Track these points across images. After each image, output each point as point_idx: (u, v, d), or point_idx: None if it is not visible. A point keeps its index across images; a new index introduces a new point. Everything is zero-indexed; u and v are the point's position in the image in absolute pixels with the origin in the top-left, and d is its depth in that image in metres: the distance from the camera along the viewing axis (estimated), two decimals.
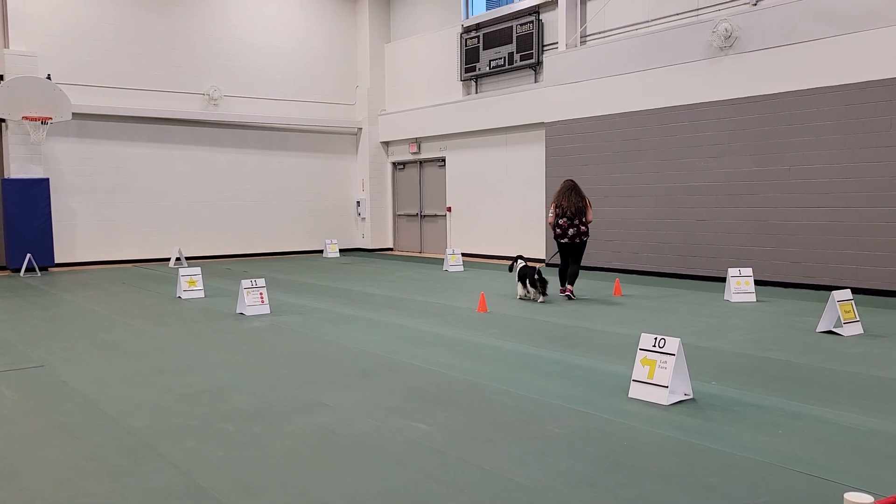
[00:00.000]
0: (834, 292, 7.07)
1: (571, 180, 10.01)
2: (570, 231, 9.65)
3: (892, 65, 9.55)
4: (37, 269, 13.92)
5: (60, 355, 6.49)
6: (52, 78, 14.31)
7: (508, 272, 10.36)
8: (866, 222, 9.88)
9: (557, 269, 9.75)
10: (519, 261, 9.98)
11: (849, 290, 7.23)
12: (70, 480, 3.55)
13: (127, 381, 5.52)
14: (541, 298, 9.43)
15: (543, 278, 9.46)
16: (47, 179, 14.34)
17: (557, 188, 10.01)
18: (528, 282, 9.56)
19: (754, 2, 11.37)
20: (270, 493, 3.37)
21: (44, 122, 13.81)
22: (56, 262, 14.72)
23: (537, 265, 9.95)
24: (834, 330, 7.08)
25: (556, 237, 9.82)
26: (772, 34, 10.71)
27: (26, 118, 13.57)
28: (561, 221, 9.70)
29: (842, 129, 10.08)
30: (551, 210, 9.84)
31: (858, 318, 7.20)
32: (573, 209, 9.62)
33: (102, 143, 15.49)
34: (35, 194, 14.12)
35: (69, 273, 14.09)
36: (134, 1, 15.70)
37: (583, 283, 11.27)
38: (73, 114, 14.34)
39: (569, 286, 9.76)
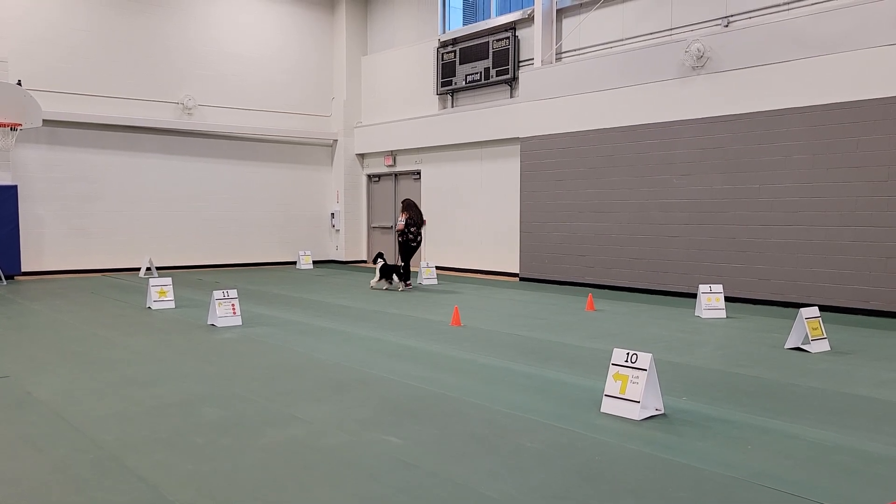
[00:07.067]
0: (802, 310, 7.20)
1: (410, 199, 13.44)
2: (419, 238, 13.07)
3: (860, 87, 9.79)
4: (2, 277, 13.65)
5: (26, 365, 6.36)
6: (23, 84, 14.10)
7: (373, 264, 12.89)
8: (833, 241, 10.08)
9: (393, 267, 12.62)
10: (380, 259, 12.69)
11: (816, 308, 7.36)
12: (34, 494, 3.47)
13: (94, 392, 5.43)
14: (402, 287, 12.46)
15: (408, 272, 12.71)
16: (15, 186, 14.10)
17: (403, 203, 13.15)
18: (393, 275, 12.46)
19: (726, 23, 11.60)
20: None
21: (13, 128, 13.55)
22: (23, 270, 14.45)
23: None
24: (802, 346, 7.20)
25: (409, 241, 12.95)
26: (743, 55, 10.93)
27: None
28: (412, 229, 12.92)
29: (810, 149, 10.30)
30: (402, 219, 12.90)
31: (825, 335, 7.33)
32: (419, 220, 13.00)
33: (73, 150, 15.28)
34: (3, 201, 13.87)
35: (37, 282, 13.83)
36: (108, 8, 15.57)
37: (556, 298, 11.38)
38: (44, 120, 14.11)
39: (408, 282, 12.86)
